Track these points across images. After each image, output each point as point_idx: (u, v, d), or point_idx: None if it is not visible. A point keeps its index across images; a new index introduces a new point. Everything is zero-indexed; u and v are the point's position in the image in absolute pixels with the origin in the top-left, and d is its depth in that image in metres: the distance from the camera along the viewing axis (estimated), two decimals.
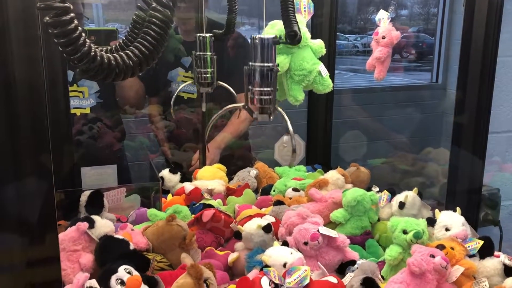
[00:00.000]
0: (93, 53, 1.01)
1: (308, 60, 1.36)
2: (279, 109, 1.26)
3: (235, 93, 1.82)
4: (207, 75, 1.51)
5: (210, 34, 1.57)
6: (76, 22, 0.96)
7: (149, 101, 2.88)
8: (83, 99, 2.55)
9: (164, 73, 2.73)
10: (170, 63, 2.71)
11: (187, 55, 2.70)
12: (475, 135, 1.72)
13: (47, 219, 1.15)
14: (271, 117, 1.25)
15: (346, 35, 8.08)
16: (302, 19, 1.42)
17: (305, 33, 1.41)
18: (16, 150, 1.13)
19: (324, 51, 1.42)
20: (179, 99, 2.70)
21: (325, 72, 1.42)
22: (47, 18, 0.94)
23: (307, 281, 1.29)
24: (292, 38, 1.16)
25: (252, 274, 1.35)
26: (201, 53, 1.50)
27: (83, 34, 0.98)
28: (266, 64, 1.17)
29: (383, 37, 1.86)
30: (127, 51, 1.10)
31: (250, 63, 1.19)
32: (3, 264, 1.16)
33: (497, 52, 1.69)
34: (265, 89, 1.17)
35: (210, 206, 1.86)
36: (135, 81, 2.61)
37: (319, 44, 1.43)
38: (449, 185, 1.84)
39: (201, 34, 1.53)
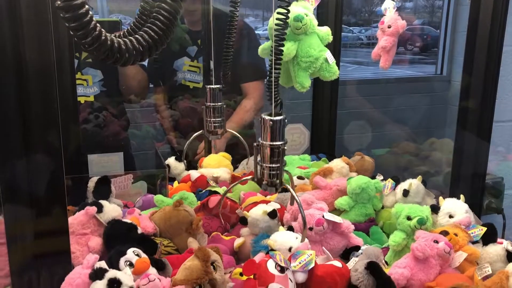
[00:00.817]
0: (104, 37, 1.03)
1: (315, 47, 1.37)
2: (287, 186, 1.32)
3: (245, 144, 1.84)
4: (217, 124, 1.57)
5: (220, 86, 1.63)
6: (87, 6, 0.98)
7: (154, 90, 2.90)
8: (87, 87, 2.57)
9: (170, 63, 2.74)
10: (176, 53, 2.73)
11: (193, 45, 2.71)
12: (480, 124, 1.73)
13: (56, 192, 1.18)
14: (279, 190, 1.28)
15: (351, 28, 8.06)
16: (309, 6, 1.43)
17: (312, 20, 1.42)
18: (27, 127, 1.15)
19: (330, 38, 1.43)
20: (185, 88, 2.72)
21: (331, 59, 1.43)
22: (59, 2, 0.96)
23: (312, 265, 1.31)
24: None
25: (258, 257, 1.37)
26: (211, 103, 1.55)
27: (94, 19, 1.00)
28: (275, 143, 1.20)
29: (389, 26, 1.87)
30: (136, 36, 1.12)
31: (260, 140, 1.22)
32: (14, 235, 1.19)
33: (503, 41, 1.69)
34: (274, 165, 1.20)
35: (216, 193, 1.88)
36: (138, 71, 2.63)
37: (326, 31, 1.44)
38: (453, 173, 1.85)
39: (211, 86, 1.58)
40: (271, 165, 1.21)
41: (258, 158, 1.25)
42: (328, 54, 1.41)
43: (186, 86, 2.71)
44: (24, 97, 1.15)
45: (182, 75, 2.71)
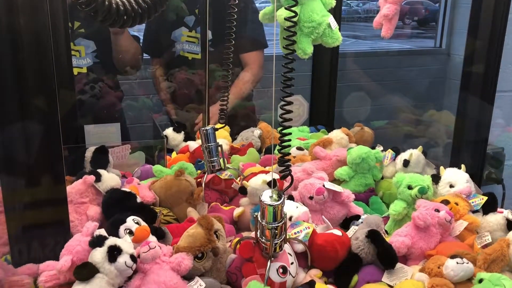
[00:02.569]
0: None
1: (317, 12, 1.33)
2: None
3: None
4: (215, 164, 1.62)
5: (212, 126, 1.64)
6: None
7: (151, 62, 2.85)
8: (79, 58, 2.51)
9: (167, 33, 2.69)
10: (173, 23, 2.67)
11: (190, 14, 2.65)
12: (483, 91, 1.71)
13: (54, 160, 1.17)
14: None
15: (348, 1, 7.95)
16: None
17: None
18: (23, 94, 1.13)
19: (334, 2, 1.39)
20: (184, 59, 2.67)
21: (334, 25, 1.39)
22: None
23: (307, 238, 1.30)
24: None
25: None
26: (206, 144, 1.58)
27: None
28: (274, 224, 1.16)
29: None
30: None
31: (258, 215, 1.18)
32: (12, 204, 1.17)
33: (509, 9, 1.66)
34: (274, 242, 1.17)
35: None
36: (131, 43, 2.57)
37: None
38: (454, 142, 1.84)
39: (204, 128, 1.64)
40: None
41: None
42: (331, 20, 1.37)
43: (185, 57, 2.66)
44: (20, 64, 1.12)
45: (180, 46, 2.66)
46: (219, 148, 1.65)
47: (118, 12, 1.03)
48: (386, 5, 1.84)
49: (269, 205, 1.16)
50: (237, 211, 1.60)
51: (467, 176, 1.62)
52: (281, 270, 1.21)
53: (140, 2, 1.06)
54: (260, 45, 2.67)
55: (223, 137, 2.29)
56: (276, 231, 1.17)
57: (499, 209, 1.53)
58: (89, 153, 1.79)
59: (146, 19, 1.11)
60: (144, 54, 2.78)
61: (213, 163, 1.62)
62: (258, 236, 1.20)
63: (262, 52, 2.71)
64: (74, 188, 1.48)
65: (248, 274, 1.19)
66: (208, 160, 1.61)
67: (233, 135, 2.37)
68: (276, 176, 1.73)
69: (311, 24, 1.34)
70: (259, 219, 1.19)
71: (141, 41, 2.75)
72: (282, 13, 1.29)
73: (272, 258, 1.20)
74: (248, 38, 2.61)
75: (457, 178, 1.60)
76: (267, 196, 1.19)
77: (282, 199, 1.18)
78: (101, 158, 1.78)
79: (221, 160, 1.65)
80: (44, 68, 1.16)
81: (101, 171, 1.55)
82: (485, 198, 1.51)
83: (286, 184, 1.21)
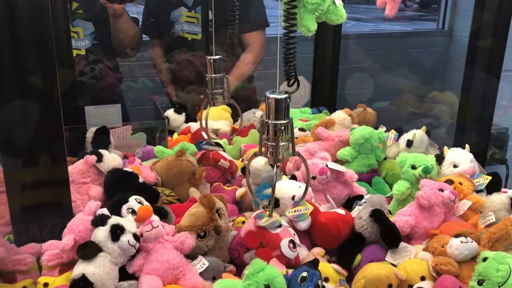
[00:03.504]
0: None
1: None
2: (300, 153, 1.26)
3: (240, 111, 1.80)
4: (219, 96, 1.56)
5: (220, 56, 1.58)
6: None
7: (151, 43, 2.82)
8: (78, 40, 2.48)
9: (166, 14, 2.65)
10: (172, 3, 2.63)
11: None
12: (488, 72, 1.69)
13: (55, 140, 1.15)
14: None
15: None
16: None
17: None
18: (23, 73, 1.11)
19: None
20: (183, 40, 2.64)
21: (338, 2, 1.37)
22: None
23: (304, 219, 1.30)
24: None
25: (246, 227, 1.30)
26: (212, 75, 1.52)
27: None
28: (280, 122, 1.15)
29: None
30: None
31: (264, 119, 1.16)
32: (14, 184, 1.17)
33: None
34: (280, 143, 1.15)
35: (217, 144, 1.86)
36: (131, 25, 2.54)
37: None
38: (458, 122, 1.82)
39: (212, 57, 1.55)
40: (275, 144, 1.16)
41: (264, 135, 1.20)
42: None
43: (185, 38, 2.63)
44: (19, 44, 1.10)
45: (180, 26, 2.62)
46: (225, 80, 1.57)
47: None
48: None
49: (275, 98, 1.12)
50: (239, 192, 1.59)
51: (471, 156, 1.61)
52: (291, 245, 1.21)
53: None
54: (261, 25, 2.63)
55: (224, 119, 2.28)
56: (283, 129, 1.13)
57: (503, 189, 1.52)
58: (90, 134, 1.78)
59: None
60: (144, 36, 2.75)
61: (217, 95, 1.56)
62: (264, 139, 1.17)
63: (263, 32, 2.67)
64: (76, 168, 1.47)
65: (264, 259, 1.15)
66: (211, 92, 1.55)
67: (234, 117, 2.36)
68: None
69: (315, 0, 1.31)
70: (264, 118, 1.16)
71: (140, 22, 2.72)
72: None
73: (278, 164, 1.17)
74: (249, 18, 2.58)
75: (461, 158, 1.59)
76: (273, 92, 1.16)
77: (288, 95, 1.15)
78: (102, 139, 1.76)
79: (225, 93, 1.57)
80: (44, 47, 1.14)
81: (102, 151, 1.54)
82: (489, 178, 1.50)
83: None
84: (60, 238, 1.17)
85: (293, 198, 1.41)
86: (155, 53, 2.82)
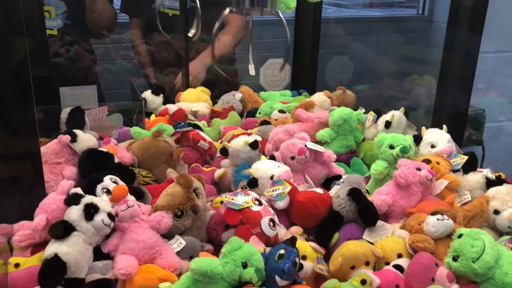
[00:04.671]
0: None
1: None
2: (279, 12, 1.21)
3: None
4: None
5: None
6: None
7: (130, 23, 2.76)
8: (49, 19, 2.39)
9: None
10: None
11: None
12: (465, 55, 1.70)
13: (27, 119, 1.12)
14: None
15: None
16: None
17: None
18: None
19: None
20: (164, 16, 2.57)
21: None
22: None
23: (282, 198, 1.29)
24: None
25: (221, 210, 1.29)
26: None
27: None
28: None
29: None
30: None
31: None
32: None
33: None
34: None
35: (195, 126, 1.83)
36: (107, 7, 2.47)
37: None
38: (436, 105, 1.83)
39: None
40: None
41: None
42: None
43: (165, 13, 2.56)
44: None
45: (160, 1, 2.55)
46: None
47: None
48: None
49: None
50: (218, 172, 1.57)
51: (448, 136, 1.62)
52: (271, 223, 1.20)
53: None
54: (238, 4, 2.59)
55: (203, 100, 2.25)
56: None
57: (478, 169, 1.54)
58: (64, 114, 1.73)
59: None
60: (121, 17, 2.69)
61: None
62: None
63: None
64: (49, 148, 1.43)
65: (244, 236, 1.13)
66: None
67: (214, 99, 2.33)
68: (259, 138, 1.71)
69: None
70: None
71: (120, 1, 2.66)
72: None
73: None
74: None
75: (438, 138, 1.60)
76: None
77: None
78: (77, 119, 1.72)
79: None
80: (13, 23, 1.10)
81: (77, 131, 1.50)
82: (466, 157, 1.52)
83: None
84: (32, 218, 1.15)
85: (271, 177, 1.41)
86: (134, 34, 2.76)
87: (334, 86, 2.36)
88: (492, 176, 1.44)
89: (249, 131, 1.92)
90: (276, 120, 2.00)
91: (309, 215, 1.29)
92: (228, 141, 1.66)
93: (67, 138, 1.43)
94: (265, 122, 1.90)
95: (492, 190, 1.30)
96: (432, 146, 1.60)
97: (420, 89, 2.55)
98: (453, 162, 1.52)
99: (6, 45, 1.10)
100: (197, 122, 1.96)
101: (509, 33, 2.82)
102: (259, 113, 2.13)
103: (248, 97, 2.33)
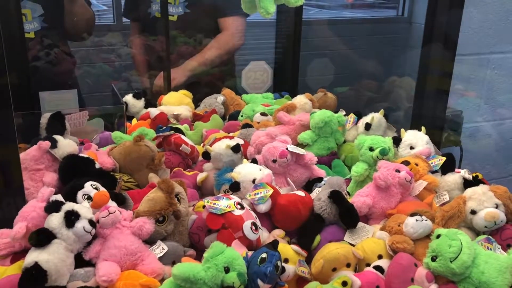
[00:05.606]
0: None
1: None
2: None
3: None
4: None
5: None
6: None
7: (131, 27, 2.73)
8: (26, 22, 2.35)
9: None
10: None
11: None
12: (443, 57, 1.73)
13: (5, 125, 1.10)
14: None
15: None
16: None
17: None
18: None
19: None
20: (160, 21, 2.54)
21: None
22: None
23: (264, 202, 1.30)
24: None
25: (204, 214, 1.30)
26: None
27: None
28: None
29: None
30: None
31: None
32: None
33: None
34: None
35: (178, 130, 1.83)
36: (86, 9, 2.45)
37: None
38: (414, 107, 1.86)
39: None
40: None
41: None
42: None
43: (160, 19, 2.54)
44: None
45: (157, 6, 2.52)
46: None
47: None
48: None
49: None
50: (200, 176, 1.58)
51: (427, 137, 1.65)
52: (253, 227, 1.21)
53: None
54: (237, 9, 2.56)
55: (185, 104, 2.25)
56: None
57: (456, 169, 1.57)
58: (44, 120, 1.72)
59: None
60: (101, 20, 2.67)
61: None
62: None
63: (240, 18, 2.58)
64: (29, 155, 1.41)
65: (226, 241, 1.13)
66: None
67: (196, 102, 2.33)
68: (241, 142, 1.72)
69: None
70: None
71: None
72: None
73: None
74: (226, 1, 2.51)
75: (417, 140, 1.63)
76: None
77: None
78: (57, 125, 1.71)
79: None
80: None
81: (57, 137, 1.49)
82: (444, 158, 1.55)
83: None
84: (11, 226, 1.13)
85: (253, 181, 1.41)
86: (134, 38, 2.73)
87: (315, 88, 2.38)
88: (469, 176, 1.47)
89: (231, 134, 1.92)
90: (258, 123, 2.01)
91: (291, 218, 1.31)
92: (210, 145, 1.67)
93: (47, 144, 1.42)
94: (247, 125, 1.91)
95: (469, 191, 1.33)
96: (411, 148, 1.63)
97: (400, 90, 2.59)
98: (432, 163, 1.55)
99: None
100: (179, 126, 1.95)
101: (485, 35, 2.89)
102: (241, 116, 2.14)
103: (230, 100, 2.34)
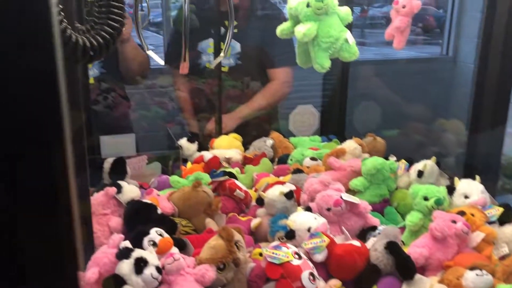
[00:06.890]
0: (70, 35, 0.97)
1: (335, 27, 1.36)
2: None
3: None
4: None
5: None
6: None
7: (174, 73, 2.84)
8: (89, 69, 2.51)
9: (194, 45, 2.61)
10: (201, 34, 2.59)
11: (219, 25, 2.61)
12: (496, 102, 1.72)
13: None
14: None
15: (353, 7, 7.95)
16: None
17: (333, 0, 1.40)
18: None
19: (350, 18, 1.42)
20: (209, 72, 2.63)
21: (351, 40, 1.42)
22: None
23: (320, 251, 1.32)
24: None
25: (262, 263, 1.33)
26: None
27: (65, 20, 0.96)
28: None
29: (403, 6, 1.85)
30: (98, 32, 1.05)
31: None
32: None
33: None
34: None
35: (230, 174, 1.89)
36: (138, 51, 2.57)
37: (346, 11, 1.43)
38: (467, 153, 1.85)
39: None
40: None
41: None
42: (348, 35, 1.40)
43: (210, 69, 2.60)
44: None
45: (207, 57, 2.61)
46: None
47: (84, 49, 1.00)
48: (398, 17, 1.87)
49: None
50: (254, 222, 1.62)
51: (481, 187, 1.63)
52: (311, 277, 1.23)
53: (105, 35, 1.03)
54: (286, 61, 2.59)
55: (235, 147, 2.32)
56: None
57: None
58: (107, 164, 1.82)
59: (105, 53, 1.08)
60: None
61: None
62: None
63: (289, 69, 2.67)
64: (97, 200, 1.50)
65: None
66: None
67: (244, 145, 2.39)
68: (293, 187, 1.76)
69: (329, 39, 1.37)
70: None
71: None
72: (301, 28, 1.32)
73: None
74: (276, 53, 2.61)
75: (472, 189, 1.62)
76: None
77: None
78: (119, 169, 1.80)
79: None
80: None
81: (121, 182, 1.58)
82: (501, 209, 1.53)
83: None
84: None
85: (308, 230, 1.44)
86: (180, 81, 2.83)
87: (362, 130, 2.40)
88: None
89: (282, 178, 1.96)
90: (308, 167, 2.04)
91: (347, 268, 1.32)
92: (263, 190, 1.71)
93: (113, 190, 1.50)
94: (297, 171, 1.95)
95: None
96: (466, 197, 1.62)
97: (449, 134, 2.57)
98: (488, 213, 1.53)
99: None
100: (231, 170, 2.02)
101: None
102: (291, 160, 2.18)
103: (278, 142, 2.39)
